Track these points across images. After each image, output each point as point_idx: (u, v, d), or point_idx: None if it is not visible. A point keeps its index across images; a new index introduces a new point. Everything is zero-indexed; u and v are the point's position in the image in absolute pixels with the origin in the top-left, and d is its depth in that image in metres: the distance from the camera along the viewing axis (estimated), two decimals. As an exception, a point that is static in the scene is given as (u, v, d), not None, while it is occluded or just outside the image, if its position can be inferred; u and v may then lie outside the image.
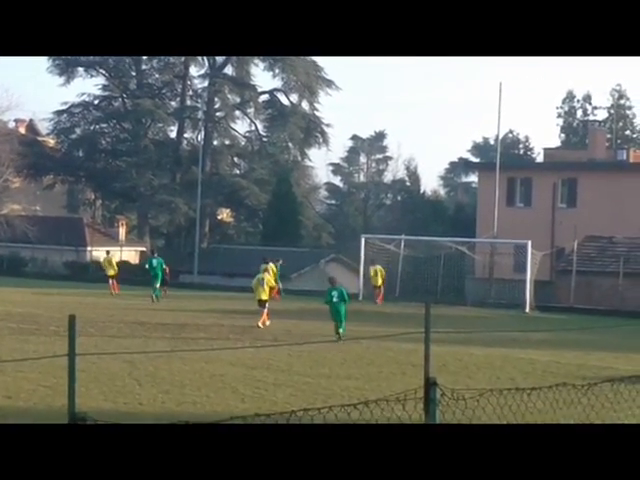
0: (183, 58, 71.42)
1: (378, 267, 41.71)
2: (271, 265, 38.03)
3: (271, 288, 29.81)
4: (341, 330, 25.82)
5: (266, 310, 28.65)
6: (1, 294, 38.71)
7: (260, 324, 28.15)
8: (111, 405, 15.22)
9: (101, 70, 72.31)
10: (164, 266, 38.84)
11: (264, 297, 28.68)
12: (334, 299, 26.40)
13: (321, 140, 74.22)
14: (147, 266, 39.72)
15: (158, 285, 38.05)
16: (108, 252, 45.88)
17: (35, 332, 25.39)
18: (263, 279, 29.23)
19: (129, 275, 52.80)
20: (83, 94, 71.19)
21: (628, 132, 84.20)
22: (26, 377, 17.47)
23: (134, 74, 72.89)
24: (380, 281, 41.29)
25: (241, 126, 74.13)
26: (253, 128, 74.07)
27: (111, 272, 42.29)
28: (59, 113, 70.98)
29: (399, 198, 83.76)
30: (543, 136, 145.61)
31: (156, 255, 40.34)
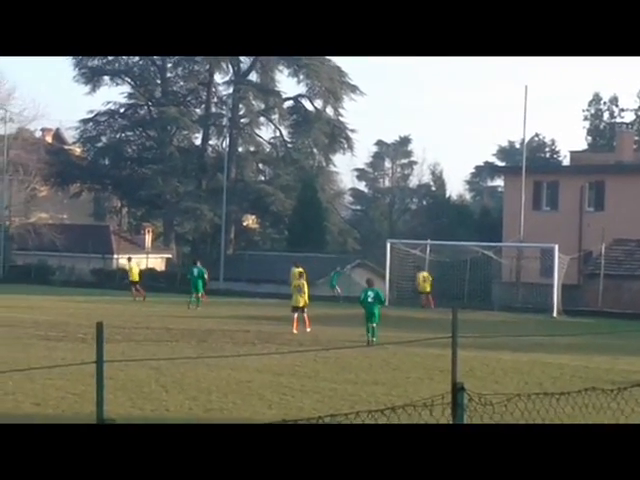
0: (208, 65, 71.69)
1: (425, 273, 42.00)
2: (300, 270, 38.52)
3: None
4: (374, 338, 25.96)
5: (306, 315, 29.19)
6: (29, 302, 38.95)
7: (308, 329, 28.59)
8: (138, 412, 15.24)
9: (126, 78, 72.69)
10: (204, 275, 39.17)
11: (301, 304, 29.12)
12: (369, 299, 26.52)
13: (346, 145, 74.23)
14: (188, 276, 40.15)
15: (199, 294, 38.40)
16: (130, 259, 46.33)
17: (63, 339, 25.51)
18: (299, 286, 29.59)
19: (155, 282, 53.00)
20: (109, 102, 71.67)
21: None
22: (54, 384, 17.53)
23: (159, 82, 73.23)
24: (429, 287, 41.55)
25: (266, 132, 74.33)
26: (278, 134, 74.23)
27: (136, 277, 42.88)
28: (85, 122, 71.42)
29: (424, 203, 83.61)
30: (569, 139, 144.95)
31: (198, 264, 40.48)
